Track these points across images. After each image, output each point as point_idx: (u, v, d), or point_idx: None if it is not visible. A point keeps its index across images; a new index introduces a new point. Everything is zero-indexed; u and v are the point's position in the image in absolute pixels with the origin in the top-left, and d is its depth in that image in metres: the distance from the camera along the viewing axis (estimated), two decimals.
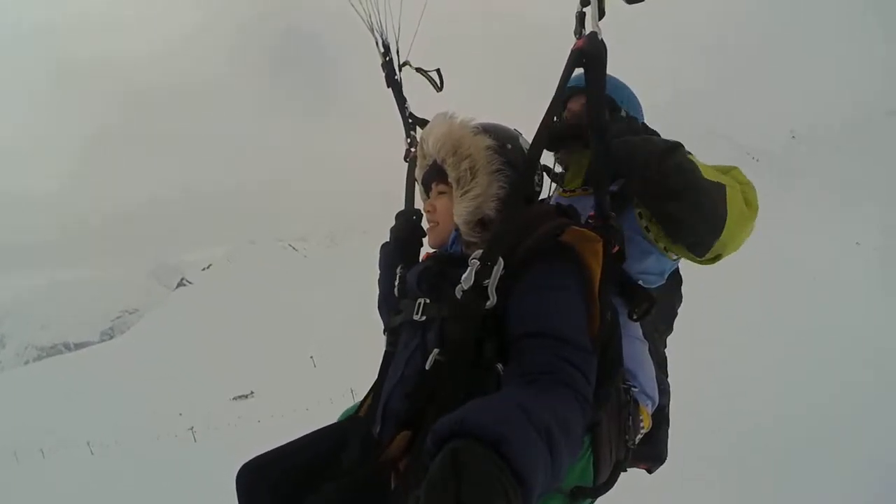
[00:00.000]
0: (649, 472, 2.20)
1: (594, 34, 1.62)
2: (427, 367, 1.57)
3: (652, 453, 2.07)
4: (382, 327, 2.08)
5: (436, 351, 1.56)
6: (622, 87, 2.29)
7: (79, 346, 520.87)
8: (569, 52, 1.68)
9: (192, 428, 41.05)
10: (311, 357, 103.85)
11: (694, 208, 1.71)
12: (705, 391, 6.72)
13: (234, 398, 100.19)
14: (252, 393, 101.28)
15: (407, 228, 2.25)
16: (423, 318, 1.71)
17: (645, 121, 2.37)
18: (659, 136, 2.12)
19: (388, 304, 2.11)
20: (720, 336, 12.19)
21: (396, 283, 2.04)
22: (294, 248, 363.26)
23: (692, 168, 1.75)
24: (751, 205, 1.84)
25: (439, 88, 2.39)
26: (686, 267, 2.43)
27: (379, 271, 2.28)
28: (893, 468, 4.55)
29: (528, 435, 1.03)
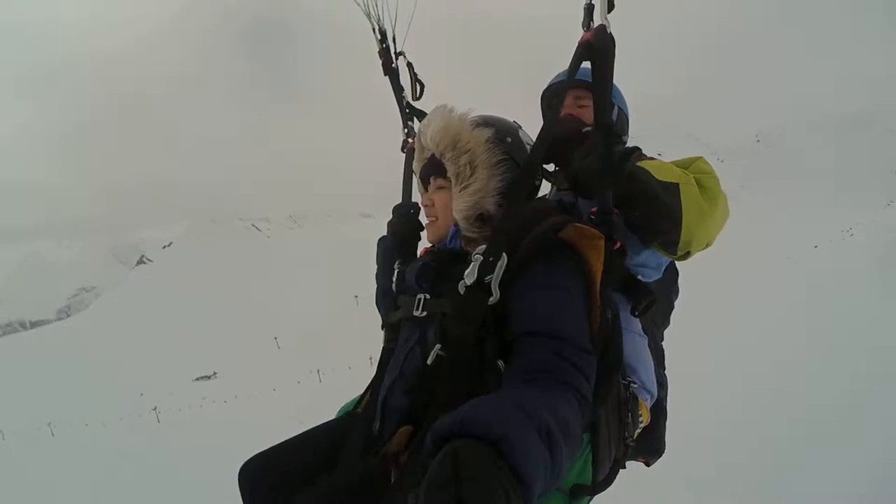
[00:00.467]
0: (647, 465, 2.21)
1: (603, 27, 1.60)
2: (428, 363, 1.57)
3: (650, 447, 2.09)
4: (380, 322, 2.05)
5: (437, 347, 1.56)
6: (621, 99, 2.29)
7: (35, 324, 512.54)
8: (576, 44, 1.65)
9: (155, 408, 40.37)
10: (276, 338, 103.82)
11: (651, 211, 1.72)
12: (704, 389, 6.83)
13: (197, 378, 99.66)
14: (215, 373, 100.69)
15: (405, 223, 2.22)
16: (424, 314, 1.69)
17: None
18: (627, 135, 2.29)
19: (387, 300, 2.07)
20: (718, 333, 12.34)
21: (395, 279, 2.00)
22: (257, 228, 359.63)
23: (643, 173, 1.75)
24: (712, 197, 1.80)
25: (415, 97, 2.36)
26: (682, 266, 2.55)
27: (377, 266, 2.22)
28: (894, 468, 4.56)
29: (529, 435, 1.03)
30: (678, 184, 1.73)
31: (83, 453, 21.52)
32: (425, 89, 2.34)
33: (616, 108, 2.16)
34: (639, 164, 1.78)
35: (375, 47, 2.37)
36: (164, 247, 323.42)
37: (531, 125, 1.88)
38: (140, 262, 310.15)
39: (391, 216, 2.28)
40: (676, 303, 2.54)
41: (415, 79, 2.32)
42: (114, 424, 39.24)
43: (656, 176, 1.72)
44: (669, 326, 2.55)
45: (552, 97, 2.16)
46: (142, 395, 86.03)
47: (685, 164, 1.84)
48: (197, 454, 13.93)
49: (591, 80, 1.89)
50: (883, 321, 9.29)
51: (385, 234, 2.25)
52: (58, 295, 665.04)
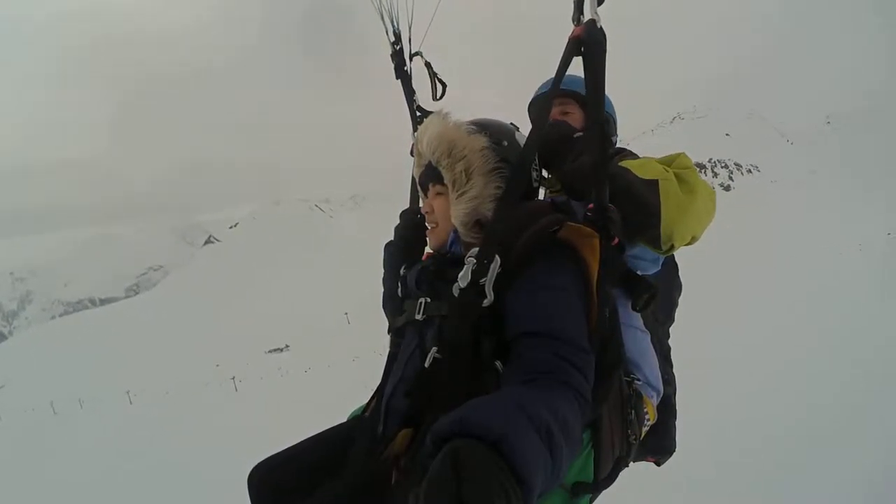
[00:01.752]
0: (658, 464, 2.20)
1: (593, 22, 1.57)
2: (426, 366, 1.59)
3: (659, 446, 2.08)
4: (387, 327, 2.07)
5: (434, 349, 1.58)
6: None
7: (104, 301, 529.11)
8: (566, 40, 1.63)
9: (233, 378, 40.87)
10: (346, 314, 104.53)
11: (631, 208, 1.73)
12: (705, 389, 6.59)
13: (270, 351, 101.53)
14: (287, 346, 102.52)
15: (410, 228, 2.22)
16: (424, 317, 1.72)
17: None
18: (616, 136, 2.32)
19: (392, 305, 2.09)
20: (725, 331, 12.08)
21: (399, 284, 2.02)
22: (320, 209, 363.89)
23: (624, 171, 1.81)
24: (691, 191, 1.84)
25: (436, 97, 2.29)
26: (686, 262, 2.56)
27: (384, 270, 2.24)
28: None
29: (529, 435, 1.03)
30: (657, 180, 1.80)
31: (161, 419, 21.76)
32: (435, 100, 2.29)
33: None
34: (621, 163, 1.89)
35: (388, 49, 2.36)
36: (231, 227, 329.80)
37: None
38: (208, 241, 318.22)
39: (399, 220, 2.30)
40: (680, 300, 2.63)
41: (435, 78, 2.28)
42: (196, 392, 39.51)
43: (637, 173, 1.80)
44: (676, 324, 2.59)
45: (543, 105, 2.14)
46: (217, 366, 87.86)
47: (668, 161, 1.93)
48: (274, 420, 14.13)
49: (574, 89, 2.21)
50: None
51: (392, 238, 2.27)
52: (126, 273, 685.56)
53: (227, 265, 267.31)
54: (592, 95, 1.61)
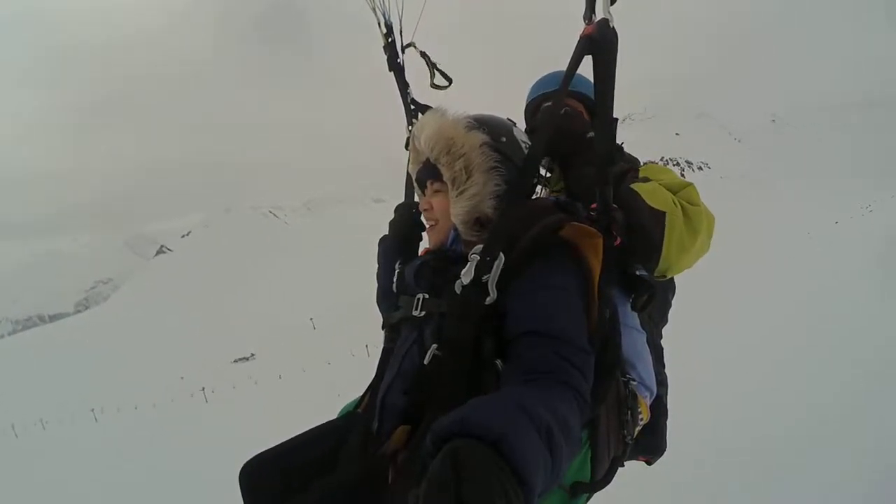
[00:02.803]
0: (649, 463, 2.20)
1: (605, 21, 1.52)
2: (425, 363, 1.57)
3: (651, 445, 2.08)
4: (381, 322, 2.04)
5: (434, 347, 1.55)
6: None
7: (53, 317, 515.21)
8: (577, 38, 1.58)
9: (203, 389, 41.04)
10: (311, 319, 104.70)
11: (634, 235, 1.74)
12: (703, 388, 6.72)
13: (236, 360, 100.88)
14: (253, 355, 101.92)
15: (406, 222, 2.20)
16: (423, 313, 1.69)
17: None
18: (622, 148, 2.19)
19: (387, 300, 2.07)
20: (718, 328, 11.90)
21: (395, 279, 1.99)
22: (275, 215, 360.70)
23: (635, 197, 1.80)
24: (697, 231, 1.85)
25: (435, 84, 2.26)
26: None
27: (377, 266, 2.21)
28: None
29: (529, 435, 1.03)
30: (665, 213, 1.79)
31: (129, 436, 21.23)
32: (442, 88, 2.25)
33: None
34: (632, 186, 1.86)
35: (381, 42, 2.29)
36: (183, 236, 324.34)
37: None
38: (160, 251, 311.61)
39: (394, 215, 2.27)
40: (674, 301, 2.60)
41: (433, 68, 2.25)
42: (165, 406, 38.55)
43: (648, 201, 1.79)
44: (668, 325, 2.58)
45: (544, 103, 2.19)
46: (182, 378, 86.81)
47: (676, 188, 1.91)
48: (254, 428, 13.08)
49: (578, 89, 2.21)
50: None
51: (386, 233, 2.25)
52: (74, 288, 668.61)
53: (182, 275, 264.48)
54: (602, 96, 1.58)
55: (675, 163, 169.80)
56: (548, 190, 2.23)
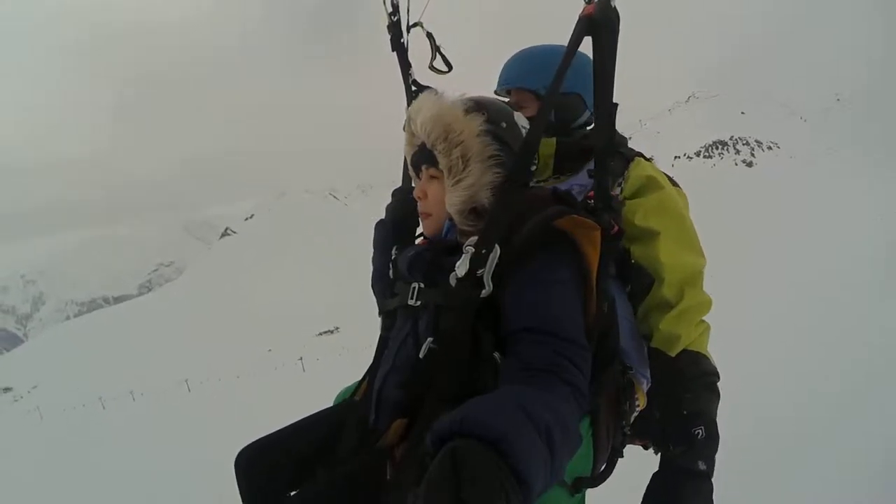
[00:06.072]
0: (645, 448, 2.13)
1: (607, 0, 1.48)
2: (420, 356, 1.53)
3: (646, 430, 2.01)
4: (377, 309, 1.99)
5: (429, 340, 1.53)
6: (583, 70, 1.82)
7: (117, 299, 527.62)
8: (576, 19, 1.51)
9: (301, 358, 40.43)
10: None
11: (638, 278, 1.84)
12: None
13: (320, 333, 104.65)
14: (337, 328, 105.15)
15: (402, 207, 2.14)
16: (418, 303, 1.64)
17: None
18: (626, 142, 2.13)
19: (382, 284, 2.03)
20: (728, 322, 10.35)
21: (391, 265, 1.95)
22: (335, 197, 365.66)
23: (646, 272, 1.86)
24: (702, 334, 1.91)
25: (433, 67, 2.15)
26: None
27: (373, 250, 2.16)
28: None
29: (529, 434, 1.02)
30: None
31: (221, 407, 20.68)
32: (443, 73, 2.15)
33: (576, 95, 2.10)
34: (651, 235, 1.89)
35: (385, 21, 2.20)
36: (247, 219, 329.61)
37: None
38: (225, 234, 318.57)
39: (391, 199, 2.24)
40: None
41: (436, 51, 2.15)
42: (263, 375, 37.88)
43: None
44: None
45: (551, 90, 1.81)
46: (270, 350, 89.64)
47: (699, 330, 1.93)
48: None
49: (529, 86, 2.14)
50: None
51: (383, 217, 2.21)
52: (136, 271, 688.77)
53: (251, 255, 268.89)
54: (601, 80, 1.54)
55: (744, 142, 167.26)
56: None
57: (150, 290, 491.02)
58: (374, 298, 2.07)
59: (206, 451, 9.82)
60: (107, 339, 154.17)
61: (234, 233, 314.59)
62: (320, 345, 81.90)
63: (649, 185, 1.93)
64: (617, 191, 1.93)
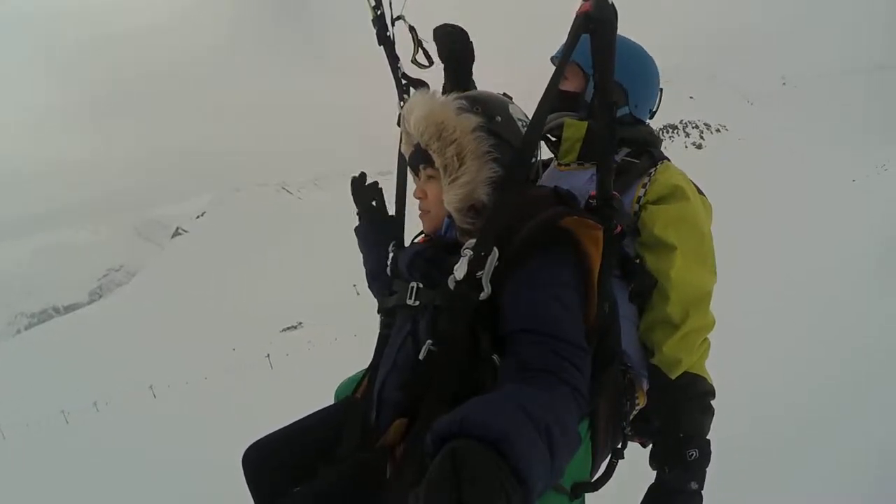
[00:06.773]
0: (643, 445, 2.10)
1: None
2: (420, 358, 1.53)
3: (644, 428, 1.99)
4: (376, 307, 1.95)
5: (429, 342, 1.52)
6: (632, 63, 1.97)
7: (68, 308, 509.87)
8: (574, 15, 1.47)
9: (268, 356, 39.03)
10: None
11: (641, 286, 1.83)
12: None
13: (284, 329, 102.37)
14: (300, 323, 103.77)
15: (365, 204, 2.23)
16: (417, 303, 1.63)
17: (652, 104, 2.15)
18: (652, 131, 2.14)
19: (379, 283, 2.07)
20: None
21: (389, 262, 1.92)
22: (287, 191, 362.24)
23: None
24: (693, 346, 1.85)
25: (416, 61, 2.10)
26: None
27: (361, 253, 2.20)
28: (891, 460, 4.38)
29: (530, 435, 1.01)
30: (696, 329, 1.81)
31: (191, 412, 19.76)
32: (424, 67, 2.12)
33: (628, 105, 2.05)
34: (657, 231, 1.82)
35: (369, 15, 2.13)
36: (198, 217, 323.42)
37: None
38: (176, 233, 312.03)
39: (353, 201, 2.29)
40: None
41: (418, 45, 2.11)
42: (230, 375, 36.27)
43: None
44: None
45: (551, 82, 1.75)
46: (234, 349, 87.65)
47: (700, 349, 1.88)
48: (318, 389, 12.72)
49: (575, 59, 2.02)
50: None
51: (357, 223, 2.27)
52: (85, 278, 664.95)
53: (204, 253, 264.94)
54: (601, 78, 1.50)
55: (693, 126, 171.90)
56: (555, 162, 2.11)
57: (101, 296, 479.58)
58: (337, 292, 2.14)
59: (183, 458, 9.72)
60: (63, 350, 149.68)
61: (186, 232, 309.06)
62: (285, 341, 79.56)
63: (675, 194, 1.87)
64: (641, 192, 1.89)
